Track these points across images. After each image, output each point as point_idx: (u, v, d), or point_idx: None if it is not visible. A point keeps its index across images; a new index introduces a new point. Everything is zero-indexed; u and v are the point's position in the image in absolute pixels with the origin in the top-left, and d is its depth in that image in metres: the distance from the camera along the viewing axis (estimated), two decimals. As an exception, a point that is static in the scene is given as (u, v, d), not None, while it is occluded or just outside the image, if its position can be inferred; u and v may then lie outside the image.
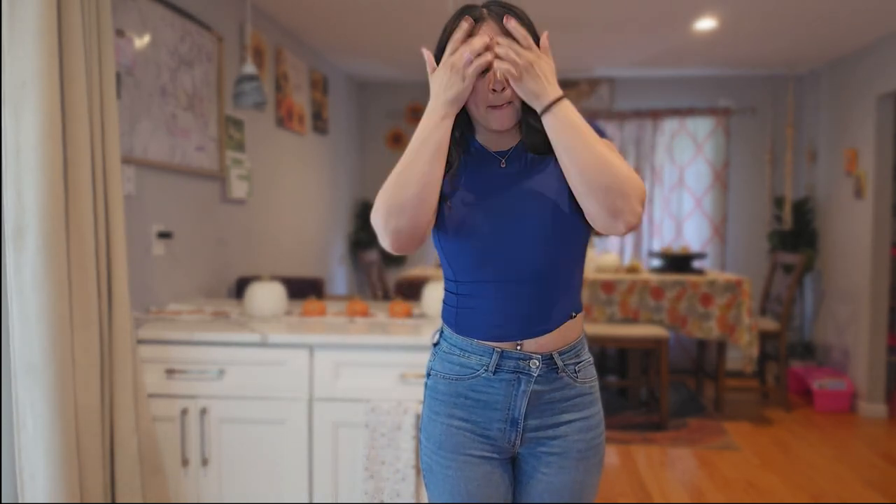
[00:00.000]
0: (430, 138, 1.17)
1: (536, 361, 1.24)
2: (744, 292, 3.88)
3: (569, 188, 1.21)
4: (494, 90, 1.18)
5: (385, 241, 1.19)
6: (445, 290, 1.32)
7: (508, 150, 1.27)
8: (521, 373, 1.24)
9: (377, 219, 1.18)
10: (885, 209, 4.14)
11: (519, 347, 1.24)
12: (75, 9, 1.85)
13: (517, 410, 1.25)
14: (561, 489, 1.29)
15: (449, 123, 1.18)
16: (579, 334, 1.30)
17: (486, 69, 1.17)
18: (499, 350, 1.24)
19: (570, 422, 1.28)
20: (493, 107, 1.20)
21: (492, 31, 1.18)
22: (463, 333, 1.26)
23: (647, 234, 5.31)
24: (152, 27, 2.61)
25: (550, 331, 1.25)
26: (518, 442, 1.27)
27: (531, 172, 1.25)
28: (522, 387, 1.24)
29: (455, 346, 1.27)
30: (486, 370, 1.24)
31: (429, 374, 1.32)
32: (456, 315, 1.27)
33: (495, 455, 1.28)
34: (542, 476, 1.28)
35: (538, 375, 1.24)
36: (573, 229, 1.23)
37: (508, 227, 1.21)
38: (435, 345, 1.33)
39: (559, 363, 1.26)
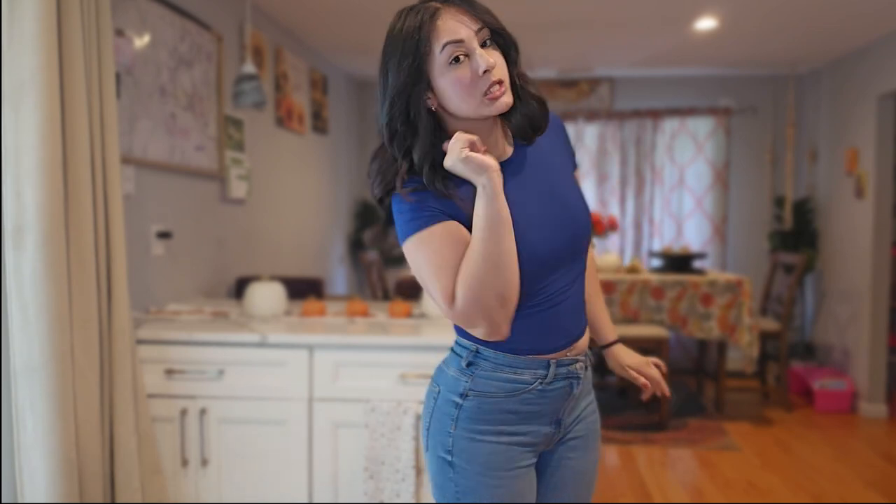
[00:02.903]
0: (495, 211, 1.09)
1: (582, 363, 1.24)
2: (744, 292, 3.88)
3: (573, 174, 1.27)
4: (486, 71, 1.09)
5: (501, 333, 1.12)
6: None
7: (506, 160, 1.20)
8: (572, 378, 1.23)
9: (477, 319, 1.09)
10: (886, 209, 4.13)
11: (569, 354, 1.22)
12: (75, 9, 1.84)
13: (563, 412, 1.25)
14: (584, 470, 1.30)
15: (501, 191, 1.10)
16: None
17: (461, 54, 1.09)
18: (553, 360, 1.20)
19: (587, 406, 1.30)
20: (489, 93, 1.10)
21: (456, 17, 1.11)
22: (514, 352, 1.19)
23: (648, 234, 5.31)
24: (151, 27, 2.61)
25: (586, 325, 1.26)
26: (557, 439, 1.27)
27: (538, 173, 1.21)
28: (574, 391, 1.24)
29: (503, 364, 1.19)
30: (541, 382, 1.20)
31: (464, 396, 1.20)
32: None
33: (536, 459, 1.26)
34: (569, 461, 1.28)
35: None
36: (587, 214, 1.24)
37: (550, 237, 1.17)
38: (468, 365, 1.21)
39: (590, 356, 1.28)
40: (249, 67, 3.06)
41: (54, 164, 1.79)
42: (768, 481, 3.16)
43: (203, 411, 2.13)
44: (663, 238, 5.30)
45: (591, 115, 5.25)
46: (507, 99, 1.13)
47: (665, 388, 1.39)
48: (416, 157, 1.13)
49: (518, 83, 1.17)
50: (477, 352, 1.20)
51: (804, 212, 4.95)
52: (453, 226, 1.12)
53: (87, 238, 1.91)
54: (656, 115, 5.20)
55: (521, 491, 1.22)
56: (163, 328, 2.22)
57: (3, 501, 1.89)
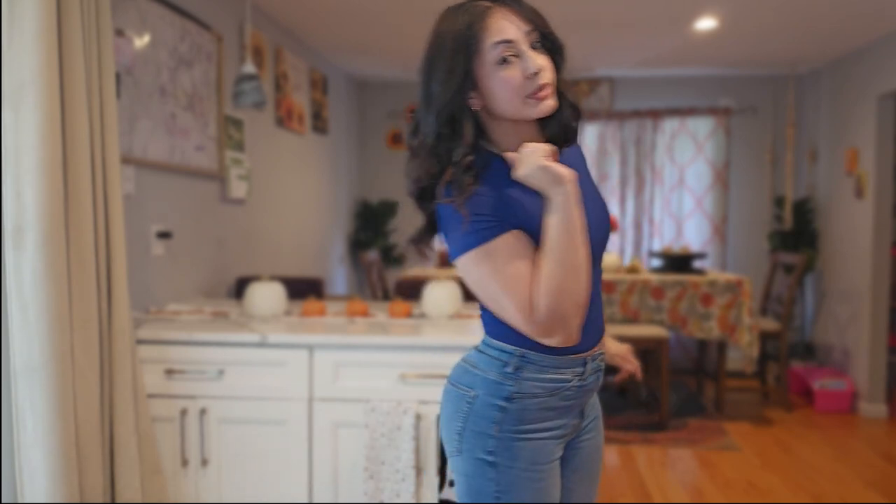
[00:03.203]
0: (574, 221, 1.10)
1: (604, 356, 1.30)
2: (744, 292, 3.88)
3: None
4: (535, 73, 1.10)
5: (573, 340, 1.13)
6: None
7: None
8: (599, 371, 1.28)
9: (557, 328, 1.10)
10: (886, 209, 4.13)
11: (597, 349, 1.27)
12: (75, 9, 1.84)
13: (586, 403, 1.29)
14: (597, 447, 1.36)
15: (579, 200, 1.12)
16: None
17: (510, 54, 1.10)
18: (588, 357, 1.24)
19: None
20: (536, 94, 1.11)
21: (507, 17, 1.12)
22: (559, 353, 1.20)
23: (648, 234, 5.31)
24: (151, 27, 2.61)
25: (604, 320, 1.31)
26: (581, 428, 1.31)
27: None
28: (599, 383, 1.30)
29: (548, 366, 1.20)
30: (579, 379, 1.23)
31: (509, 399, 1.20)
32: None
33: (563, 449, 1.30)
34: (585, 443, 1.32)
35: None
36: (608, 212, 1.31)
37: (597, 239, 1.22)
38: (516, 370, 1.20)
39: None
40: (249, 67, 3.06)
41: (54, 164, 1.79)
42: (768, 481, 3.16)
43: (203, 411, 2.13)
44: (663, 238, 5.30)
45: (591, 115, 5.25)
46: (552, 102, 1.13)
47: (640, 372, 1.55)
48: (455, 158, 1.11)
49: (560, 90, 1.17)
50: (523, 356, 1.20)
51: (804, 212, 4.95)
52: (519, 235, 1.12)
53: (87, 238, 1.91)
54: (656, 115, 5.20)
55: (556, 481, 1.26)
56: (163, 328, 2.22)
57: (3, 501, 1.89)
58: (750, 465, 3.37)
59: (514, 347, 1.20)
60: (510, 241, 1.10)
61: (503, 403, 1.20)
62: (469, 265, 1.12)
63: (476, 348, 1.27)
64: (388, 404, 2.05)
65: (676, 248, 5.01)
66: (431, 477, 2.07)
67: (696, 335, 3.96)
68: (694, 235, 5.27)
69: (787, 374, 4.35)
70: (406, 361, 2.09)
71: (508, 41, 1.10)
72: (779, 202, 5.10)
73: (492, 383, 1.21)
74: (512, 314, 1.11)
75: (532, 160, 1.10)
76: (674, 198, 5.28)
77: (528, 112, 1.12)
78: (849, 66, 4.45)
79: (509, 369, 1.20)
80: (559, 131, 1.19)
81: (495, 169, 1.15)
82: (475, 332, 2.19)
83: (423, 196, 1.17)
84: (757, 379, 4.68)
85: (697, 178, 5.25)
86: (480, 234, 1.10)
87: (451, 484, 2.05)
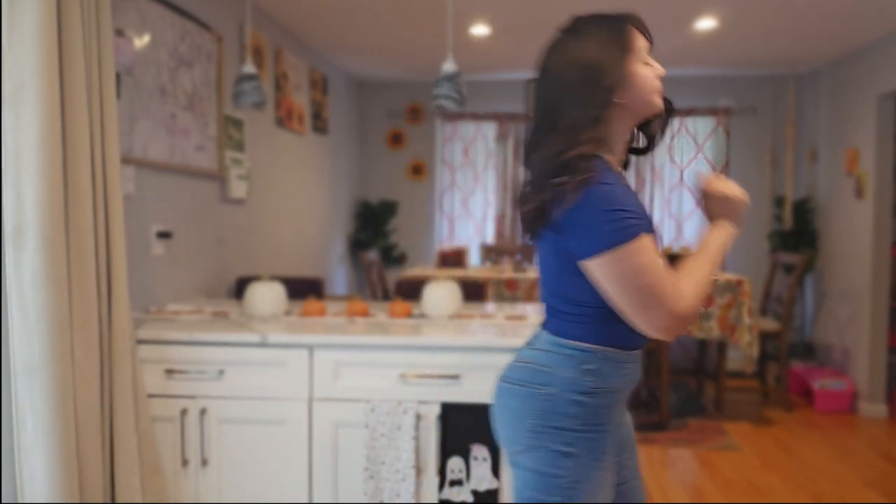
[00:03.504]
0: (727, 246, 1.32)
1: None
2: (744, 292, 3.88)
3: None
4: (662, 76, 1.32)
5: (678, 332, 1.24)
6: (609, 318, 1.27)
7: (621, 170, 1.35)
8: (638, 364, 1.37)
9: (687, 323, 1.23)
10: (886, 209, 4.13)
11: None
12: (75, 9, 1.84)
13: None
14: (630, 424, 1.44)
15: None
16: None
17: (646, 61, 1.29)
18: (638, 352, 1.36)
19: None
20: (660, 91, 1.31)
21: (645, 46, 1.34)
22: (632, 348, 1.32)
23: (648, 234, 5.30)
24: (152, 27, 2.61)
25: None
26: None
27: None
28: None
29: (621, 361, 1.31)
30: (634, 372, 1.35)
31: (590, 394, 1.27)
32: (629, 334, 1.30)
33: None
34: (622, 425, 1.39)
35: None
36: None
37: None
38: (597, 367, 1.29)
39: None
40: (249, 67, 3.06)
41: (54, 164, 1.79)
42: (768, 481, 3.16)
43: (203, 411, 2.13)
44: (663, 238, 5.30)
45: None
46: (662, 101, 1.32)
47: None
48: (586, 138, 1.21)
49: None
50: (603, 354, 1.29)
51: (804, 212, 4.95)
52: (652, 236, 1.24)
53: (87, 238, 1.91)
54: (656, 115, 5.20)
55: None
56: (163, 328, 2.22)
57: (3, 501, 1.89)
58: (750, 465, 3.37)
59: (593, 346, 1.29)
60: (652, 241, 1.22)
61: (582, 398, 1.27)
62: (617, 259, 1.18)
63: (533, 349, 1.34)
64: (388, 404, 2.05)
65: (676, 248, 5.00)
66: (431, 477, 2.07)
67: (696, 335, 3.95)
68: (694, 235, 5.27)
69: (787, 374, 4.35)
70: (406, 361, 2.09)
71: (647, 46, 1.33)
72: (779, 202, 5.10)
73: (569, 380, 1.28)
74: (655, 310, 1.20)
75: (733, 188, 1.34)
76: (674, 198, 5.28)
77: (656, 104, 1.30)
78: (849, 66, 4.45)
79: (590, 366, 1.28)
80: (643, 141, 1.38)
81: (613, 175, 1.25)
82: (475, 332, 2.19)
83: (553, 175, 1.23)
84: (757, 379, 4.68)
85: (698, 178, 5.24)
86: (629, 229, 1.18)
87: (452, 484, 2.05)
